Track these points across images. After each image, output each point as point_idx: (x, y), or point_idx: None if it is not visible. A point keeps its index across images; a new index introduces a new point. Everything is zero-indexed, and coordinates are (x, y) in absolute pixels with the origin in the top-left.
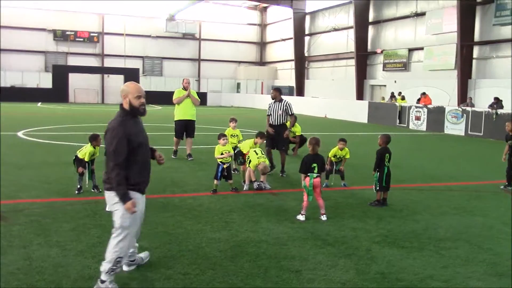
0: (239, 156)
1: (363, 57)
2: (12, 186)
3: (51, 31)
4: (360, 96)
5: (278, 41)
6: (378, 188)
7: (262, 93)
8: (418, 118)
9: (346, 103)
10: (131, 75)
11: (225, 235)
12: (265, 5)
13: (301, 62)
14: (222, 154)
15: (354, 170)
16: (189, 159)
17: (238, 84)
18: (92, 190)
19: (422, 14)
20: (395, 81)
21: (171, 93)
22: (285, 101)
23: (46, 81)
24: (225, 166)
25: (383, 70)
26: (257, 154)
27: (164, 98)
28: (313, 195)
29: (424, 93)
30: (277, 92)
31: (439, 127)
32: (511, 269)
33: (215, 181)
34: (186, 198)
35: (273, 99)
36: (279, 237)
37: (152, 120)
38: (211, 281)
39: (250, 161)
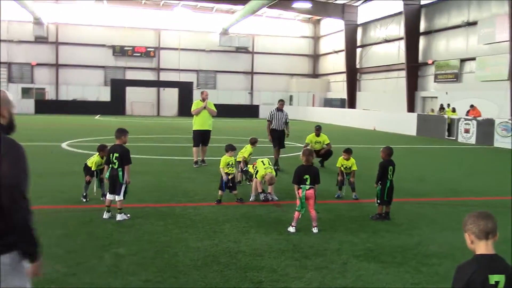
0: (247, 173)
1: (414, 68)
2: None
3: (111, 47)
4: (411, 108)
5: (331, 53)
6: (379, 201)
7: (313, 106)
8: (467, 131)
9: (395, 115)
10: (185, 88)
11: (206, 244)
12: (318, 17)
13: (353, 74)
14: (228, 165)
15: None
16: (203, 164)
17: (291, 97)
18: (101, 199)
19: (474, 23)
20: (447, 93)
21: (224, 105)
22: (285, 111)
23: (105, 95)
24: (230, 177)
25: (435, 81)
26: (264, 164)
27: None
28: (306, 207)
29: (472, 106)
30: (282, 103)
31: (488, 140)
32: None
33: (220, 192)
34: (188, 207)
35: (278, 109)
36: (259, 248)
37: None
38: None
39: (257, 171)
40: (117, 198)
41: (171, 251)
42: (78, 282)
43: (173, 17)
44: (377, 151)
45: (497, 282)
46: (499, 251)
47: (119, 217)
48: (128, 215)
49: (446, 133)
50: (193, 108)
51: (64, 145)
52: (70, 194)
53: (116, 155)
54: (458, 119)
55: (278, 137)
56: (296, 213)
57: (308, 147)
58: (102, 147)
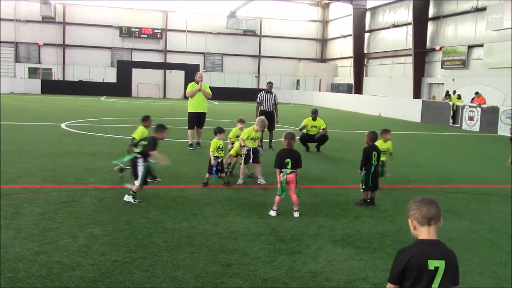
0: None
1: (421, 54)
2: (18, 172)
3: (118, 28)
4: (417, 94)
5: (339, 37)
6: (364, 187)
7: (319, 90)
8: (471, 118)
9: (401, 101)
10: (192, 70)
11: (183, 226)
12: (326, 1)
13: (360, 59)
14: (218, 148)
15: None
16: (198, 147)
17: (298, 81)
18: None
19: (483, 9)
20: (453, 79)
21: (231, 89)
22: (274, 93)
23: (111, 76)
24: (219, 160)
25: (442, 67)
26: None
27: (223, 94)
28: (287, 191)
29: (477, 93)
30: (271, 85)
31: (492, 128)
32: None
33: (207, 175)
34: (173, 190)
35: (267, 91)
36: (235, 231)
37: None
38: (134, 270)
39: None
40: (136, 182)
41: (146, 232)
42: (46, 261)
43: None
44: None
45: (436, 268)
46: (469, 240)
47: (126, 197)
48: (138, 200)
49: (451, 120)
50: (188, 90)
51: (63, 125)
52: (59, 174)
53: (144, 143)
54: (463, 106)
55: (269, 117)
56: (277, 197)
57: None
58: (146, 117)
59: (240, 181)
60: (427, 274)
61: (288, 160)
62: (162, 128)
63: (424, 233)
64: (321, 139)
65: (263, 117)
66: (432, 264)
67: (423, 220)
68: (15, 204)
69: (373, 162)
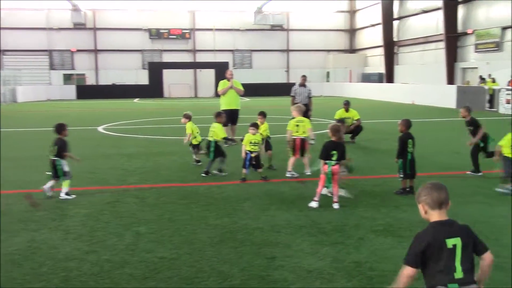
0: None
1: (453, 39)
2: None
3: (147, 30)
4: (451, 80)
5: (368, 27)
6: (402, 175)
7: (350, 81)
8: (508, 102)
9: (434, 88)
10: (221, 68)
11: (225, 222)
12: None
13: (390, 48)
14: (251, 143)
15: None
16: (233, 143)
17: (328, 73)
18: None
19: None
20: (488, 63)
21: (261, 85)
22: (308, 86)
23: (143, 78)
24: (253, 155)
25: (475, 51)
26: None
27: (253, 90)
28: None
29: None
30: (305, 78)
31: None
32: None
33: (244, 170)
34: (212, 186)
35: (301, 85)
36: (276, 225)
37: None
38: (181, 265)
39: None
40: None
41: (189, 229)
42: (97, 259)
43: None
44: (414, 125)
45: (454, 245)
46: None
47: None
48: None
49: (487, 105)
50: (220, 88)
51: (100, 128)
52: (101, 176)
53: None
54: (499, 90)
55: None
56: (320, 187)
57: (337, 124)
58: (218, 113)
59: (287, 174)
60: (447, 252)
61: (335, 152)
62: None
63: (436, 216)
64: (355, 130)
65: (298, 104)
66: (450, 242)
67: (434, 204)
68: (62, 206)
69: (409, 149)
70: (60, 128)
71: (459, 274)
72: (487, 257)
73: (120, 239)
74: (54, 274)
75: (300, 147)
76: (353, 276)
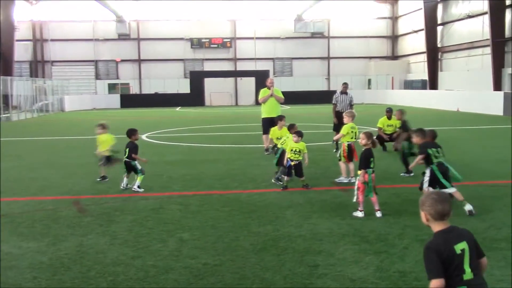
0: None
1: (500, 44)
2: (108, 183)
3: (189, 40)
4: (497, 86)
5: (410, 33)
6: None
7: (392, 88)
8: None
9: (480, 95)
10: (262, 76)
11: (267, 229)
12: None
13: (434, 54)
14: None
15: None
16: (272, 152)
17: (369, 80)
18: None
19: None
20: None
21: (301, 92)
22: (349, 93)
23: (184, 87)
24: (292, 163)
25: None
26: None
27: (294, 98)
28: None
29: None
30: (346, 86)
31: None
32: None
33: (285, 178)
34: (254, 194)
35: (342, 92)
36: (319, 233)
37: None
38: (224, 272)
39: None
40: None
41: (232, 236)
42: (142, 264)
43: (247, 6)
44: (458, 133)
45: (463, 250)
46: None
47: None
48: None
49: None
50: (260, 96)
51: (144, 136)
52: (145, 183)
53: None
54: None
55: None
56: (361, 197)
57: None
58: (292, 125)
59: (342, 179)
60: (458, 258)
61: (372, 159)
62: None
63: (439, 226)
64: (398, 138)
65: (351, 110)
66: (458, 248)
67: (437, 216)
68: (108, 212)
69: (434, 159)
70: (131, 133)
71: (468, 275)
72: (483, 261)
73: (164, 245)
74: (102, 278)
75: (352, 152)
76: (398, 286)
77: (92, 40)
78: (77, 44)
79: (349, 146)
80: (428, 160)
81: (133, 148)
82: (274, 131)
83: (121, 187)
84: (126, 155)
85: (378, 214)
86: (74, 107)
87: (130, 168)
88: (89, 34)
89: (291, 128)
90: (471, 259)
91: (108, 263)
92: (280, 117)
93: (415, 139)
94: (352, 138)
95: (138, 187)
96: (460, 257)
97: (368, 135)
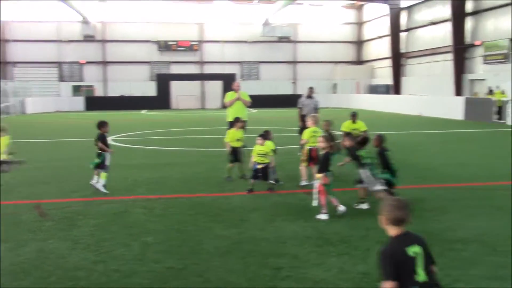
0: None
1: (461, 50)
2: (70, 186)
3: (155, 42)
4: (458, 91)
5: (375, 38)
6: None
7: (357, 93)
8: None
9: (441, 100)
10: (229, 80)
11: (232, 232)
12: (361, 3)
13: (398, 59)
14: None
15: (414, 168)
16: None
17: (335, 85)
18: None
19: None
20: (496, 74)
21: (268, 96)
22: (315, 98)
23: (151, 90)
24: (259, 166)
25: (483, 63)
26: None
27: (261, 101)
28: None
29: None
30: (312, 90)
31: None
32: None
33: (251, 181)
34: (219, 197)
35: (308, 96)
36: (283, 236)
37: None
38: (188, 275)
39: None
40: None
41: (197, 239)
42: (105, 269)
43: (215, 10)
44: (421, 137)
45: (416, 253)
46: None
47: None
48: None
49: (495, 116)
50: (226, 99)
51: (109, 140)
52: (109, 186)
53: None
54: (507, 102)
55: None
56: (323, 199)
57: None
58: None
59: (303, 182)
60: (410, 261)
61: (330, 162)
62: None
63: (394, 231)
64: (362, 141)
65: (315, 114)
66: (411, 251)
67: (394, 221)
68: (70, 216)
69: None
70: (100, 125)
71: (422, 277)
72: (433, 269)
73: (128, 249)
74: (62, 284)
75: (315, 157)
76: (360, 286)
77: (56, 41)
78: (40, 45)
79: (310, 150)
80: (359, 161)
81: (101, 138)
82: (233, 133)
83: (91, 183)
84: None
85: (341, 208)
86: (36, 109)
87: (99, 162)
88: (53, 35)
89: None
90: (424, 262)
91: (70, 268)
92: (238, 119)
93: (346, 142)
94: (314, 142)
95: (104, 186)
96: (413, 260)
97: (327, 139)
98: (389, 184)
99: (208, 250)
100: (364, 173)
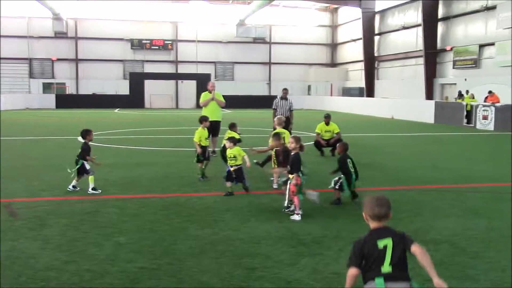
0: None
1: (432, 55)
2: (41, 185)
3: (129, 41)
4: (429, 95)
5: (349, 41)
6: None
7: (331, 95)
8: (485, 118)
9: (413, 103)
10: (203, 80)
11: (205, 233)
12: (335, 6)
13: (371, 63)
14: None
15: (386, 171)
16: (213, 155)
17: (309, 86)
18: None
19: (493, 7)
20: (466, 79)
21: (243, 97)
22: (289, 99)
23: (124, 88)
24: (232, 169)
25: (453, 67)
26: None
27: (235, 102)
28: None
29: (490, 92)
30: (286, 91)
31: (507, 127)
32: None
33: (228, 184)
34: (193, 197)
35: (282, 98)
36: (257, 236)
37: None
38: (161, 276)
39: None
40: None
41: (170, 239)
42: (76, 269)
43: (190, 9)
44: (393, 140)
45: (385, 246)
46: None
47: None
48: None
49: (465, 120)
50: (201, 99)
51: (80, 138)
52: (80, 185)
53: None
54: (477, 106)
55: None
56: (296, 199)
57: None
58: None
59: (275, 185)
60: (379, 252)
61: (303, 163)
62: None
63: (374, 225)
64: (335, 143)
65: (280, 115)
66: (381, 243)
67: (374, 217)
68: (41, 216)
69: (351, 168)
70: (85, 133)
71: (386, 268)
72: (416, 248)
73: (100, 249)
74: (33, 284)
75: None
76: (333, 286)
77: (27, 37)
78: (10, 40)
79: (275, 151)
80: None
81: (86, 149)
82: (200, 132)
83: (68, 188)
84: (78, 155)
85: (297, 217)
86: (6, 106)
87: (80, 170)
88: (23, 31)
89: (232, 127)
90: (393, 255)
91: (40, 268)
92: (205, 118)
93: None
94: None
95: (93, 189)
96: (381, 252)
97: (297, 139)
98: (353, 193)
99: (181, 250)
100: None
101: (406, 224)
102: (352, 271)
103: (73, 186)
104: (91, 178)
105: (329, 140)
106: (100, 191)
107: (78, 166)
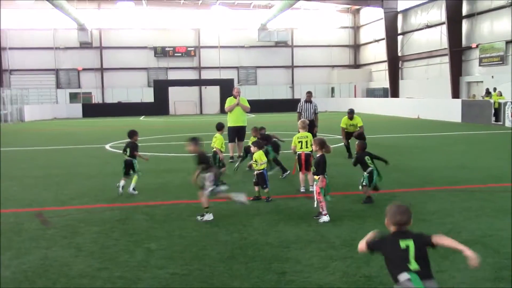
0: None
1: (457, 53)
2: (70, 194)
3: (152, 48)
4: (456, 94)
5: (372, 42)
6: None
7: (355, 96)
8: None
9: (439, 102)
10: (226, 85)
11: (235, 237)
12: (357, 7)
13: (395, 63)
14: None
15: (414, 172)
16: (239, 160)
17: (332, 88)
18: None
19: None
20: (492, 76)
21: (266, 101)
22: (314, 102)
23: (148, 96)
24: (255, 173)
25: (480, 65)
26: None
27: (259, 106)
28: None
29: None
30: (310, 95)
31: None
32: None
33: (256, 188)
34: (221, 203)
35: (306, 101)
36: (286, 240)
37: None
38: (193, 281)
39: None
40: None
41: (199, 245)
42: (109, 276)
43: (212, 15)
44: (419, 140)
45: (407, 246)
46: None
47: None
48: None
49: (493, 118)
50: (227, 105)
51: (107, 146)
52: (110, 193)
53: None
54: (505, 103)
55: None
56: (323, 202)
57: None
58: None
59: (302, 189)
60: (403, 251)
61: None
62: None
63: (395, 229)
64: (358, 137)
65: (304, 119)
66: (403, 243)
67: (396, 224)
68: (72, 224)
69: (370, 164)
70: (132, 134)
71: (414, 266)
72: (436, 236)
73: (131, 256)
74: None
75: (305, 162)
76: None
77: (53, 49)
78: (37, 52)
79: (298, 155)
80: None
81: (134, 147)
82: (221, 138)
83: (119, 192)
84: (128, 154)
85: (325, 218)
86: (34, 117)
87: (129, 167)
88: (50, 42)
89: (255, 131)
90: (416, 253)
91: (74, 276)
92: (222, 125)
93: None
94: (301, 148)
95: (134, 189)
96: (404, 251)
97: (320, 142)
98: (375, 188)
99: (211, 256)
100: (208, 177)
101: (436, 225)
102: (362, 246)
103: (122, 187)
104: (135, 178)
105: (353, 133)
106: (137, 192)
107: (124, 166)
